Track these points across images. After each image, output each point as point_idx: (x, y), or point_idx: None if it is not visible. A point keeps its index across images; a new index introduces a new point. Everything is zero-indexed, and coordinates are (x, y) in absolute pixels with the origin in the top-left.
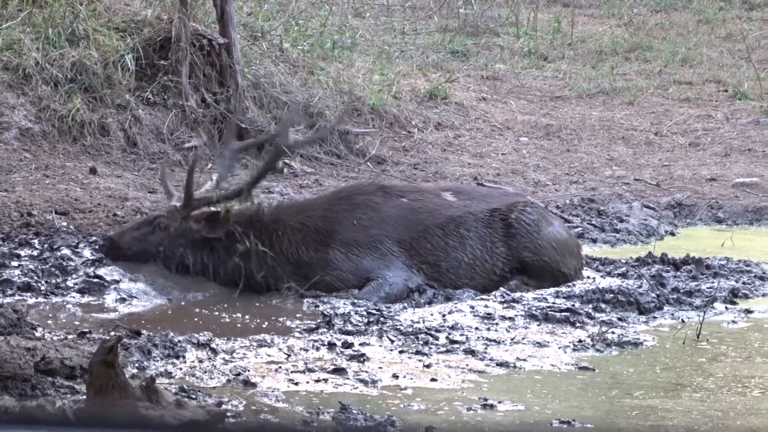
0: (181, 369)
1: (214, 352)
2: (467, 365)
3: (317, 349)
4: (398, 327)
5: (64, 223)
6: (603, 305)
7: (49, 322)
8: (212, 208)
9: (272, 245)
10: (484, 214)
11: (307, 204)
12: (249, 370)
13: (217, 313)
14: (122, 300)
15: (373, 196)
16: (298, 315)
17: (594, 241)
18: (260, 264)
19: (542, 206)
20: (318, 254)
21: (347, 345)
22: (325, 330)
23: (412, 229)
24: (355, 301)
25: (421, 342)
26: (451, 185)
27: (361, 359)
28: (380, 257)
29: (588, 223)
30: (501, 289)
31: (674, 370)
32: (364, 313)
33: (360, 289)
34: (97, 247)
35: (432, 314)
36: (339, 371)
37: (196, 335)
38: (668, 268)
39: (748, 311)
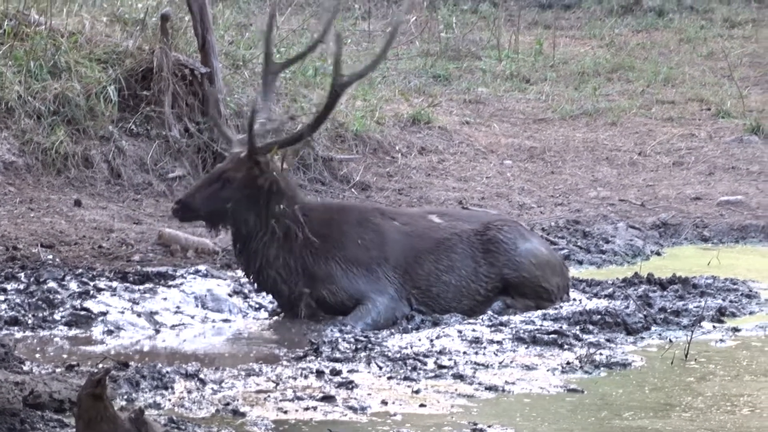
0: (170, 400)
1: (203, 382)
2: (456, 390)
3: (305, 377)
4: (386, 353)
5: (50, 256)
6: (590, 327)
7: (37, 355)
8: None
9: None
10: (468, 234)
11: (328, 206)
12: (238, 400)
13: (204, 342)
14: (109, 332)
15: (373, 217)
16: (285, 343)
17: (580, 262)
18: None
19: (521, 224)
20: (320, 262)
21: (335, 372)
22: (313, 358)
23: (407, 254)
24: (343, 327)
25: (409, 368)
26: (435, 209)
27: (350, 386)
28: (375, 281)
29: (574, 245)
30: (488, 312)
31: (663, 390)
32: (352, 340)
33: (346, 312)
34: (171, 211)
35: (420, 339)
36: (328, 399)
37: (184, 366)
38: (655, 288)
39: (736, 330)
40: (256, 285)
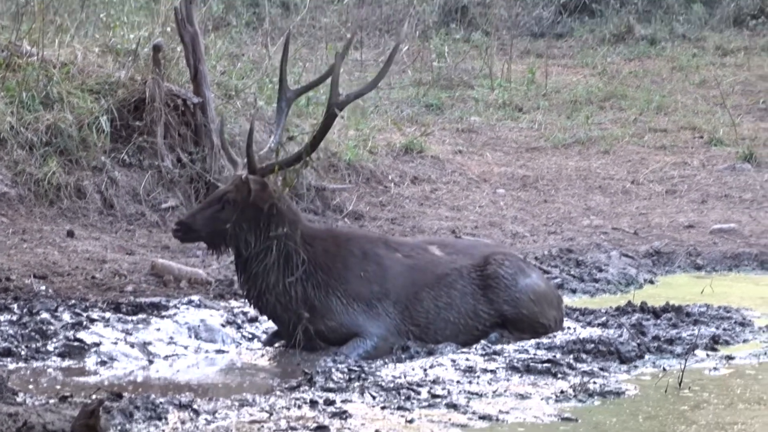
0: (163, 431)
1: (197, 412)
2: (450, 419)
3: (299, 407)
4: (380, 383)
5: (43, 287)
6: (584, 355)
7: (31, 386)
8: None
9: (306, 253)
10: (468, 270)
11: (335, 236)
12: (231, 430)
13: (198, 373)
14: (103, 363)
15: (378, 248)
16: (279, 373)
17: (573, 291)
18: (285, 267)
19: (520, 257)
20: (321, 294)
21: (329, 402)
22: (306, 388)
23: (408, 289)
24: (336, 357)
25: (403, 397)
26: (435, 239)
27: (344, 416)
28: (375, 317)
29: (567, 274)
30: (482, 341)
31: (657, 418)
32: (345, 369)
33: (342, 343)
34: (171, 232)
35: (413, 369)
36: (322, 429)
37: (177, 396)
38: (648, 317)
39: (730, 358)
40: (255, 309)
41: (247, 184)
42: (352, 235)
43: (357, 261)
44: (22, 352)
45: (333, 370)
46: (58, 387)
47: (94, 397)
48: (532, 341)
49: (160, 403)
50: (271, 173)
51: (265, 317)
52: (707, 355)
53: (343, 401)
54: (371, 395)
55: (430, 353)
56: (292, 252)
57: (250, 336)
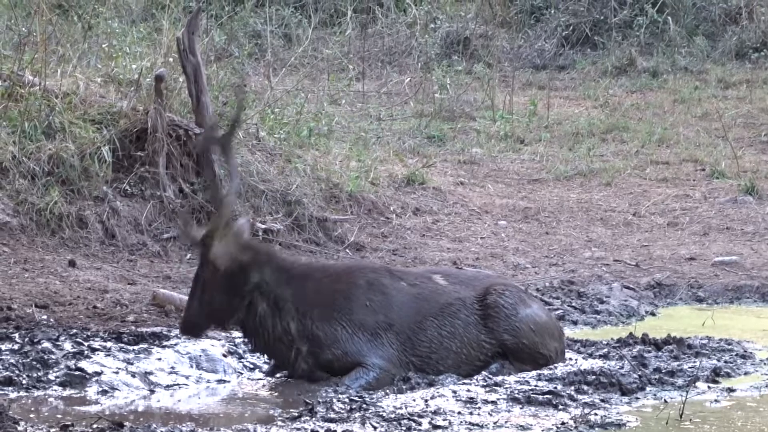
0: None
1: None
2: None
3: None
4: (381, 413)
5: (45, 317)
6: (585, 387)
7: (32, 416)
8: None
9: (297, 299)
10: (471, 300)
11: (329, 269)
12: None
13: (199, 403)
14: (104, 392)
15: (382, 277)
16: (280, 403)
17: (575, 323)
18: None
19: (521, 288)
20: (326, 325)
21: None
22: (308, 418)
23: (411, 319)
24: (337, 388)
25: (404, 428)
26: (439, 269)
27: None
28: (378, 346)
29: (568, 305)
30: (483, 372)
31: None
32: (347, 400)
33: (344, 372)
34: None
35: (414, 399)
36: None
37: (179, 426)
38: (650, 349)
39: (731, 390)
40: (266, 357)
41: (210, 260)
42: (356, 267)
43: (362, 291)
44: (24, 381)
45: (334, 400)
46: (60, 416)
47: (95, 426)
48: (533, 372)
49: None
50: (213, 235)
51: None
52: (708, 387)
53: None
54: (372, 426)
55: (431, 384)
56: (277, 294)
57: (252, 366)
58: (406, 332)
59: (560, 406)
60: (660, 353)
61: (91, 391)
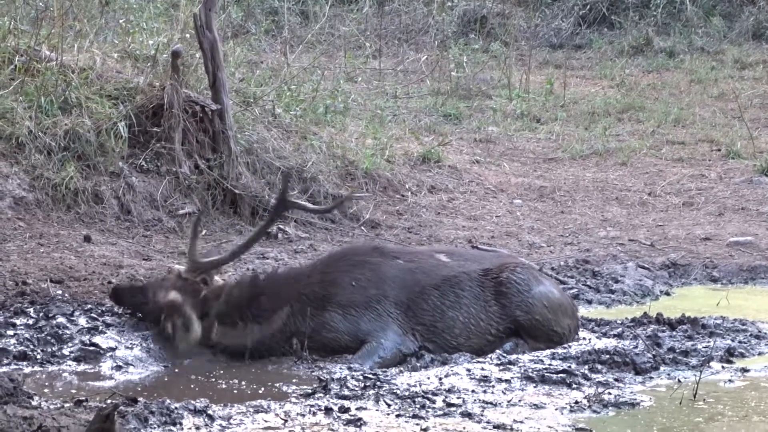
0: None
1: (211, 418)
2: (464, 428)
3: (314, 414)
4: (395, 391)
5: (59, 292)
6: (599, 366)
7: (46, 390)
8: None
9: (270, 322)
10: (477, 273)
11: (304, 271)
12: None
13: (213, 380)
14: (118, 367)
15: (370, 257)
16: (294, 380)
17: (589, 302)
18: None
19: (534, 267)
20: (315, 319)
21: (344, 410)
22: (321, 395)
23: (409, 290)
24: (351, 365)
25: (417, 406)
26: (443, 248)
27: (358, 424)
28: (377, 318)
29: (583, 285)
30: (497, 351)
31: (671, 430)
32: (361, 377)
33: (354, 352)
34: None
35: (428, 378)
36: None
37: (192, 402)
38: (664, 328)
39: (745, 370)
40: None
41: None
42: (335, 253)
43: (342, 273)
44: (38, 356)
45: (348, 377)
46: (74, 391)
47: (109, 401)
48: (547, 351)
49: (175, 408)
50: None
51: None
52: (722, 367)
53: (357, 409)
54: (386, 403)
55: (444, 362)
56: (221, 310)
57: None
58: (405, 302)
59: (574, 385)
60: (674, 333)
61: (105, 366)
